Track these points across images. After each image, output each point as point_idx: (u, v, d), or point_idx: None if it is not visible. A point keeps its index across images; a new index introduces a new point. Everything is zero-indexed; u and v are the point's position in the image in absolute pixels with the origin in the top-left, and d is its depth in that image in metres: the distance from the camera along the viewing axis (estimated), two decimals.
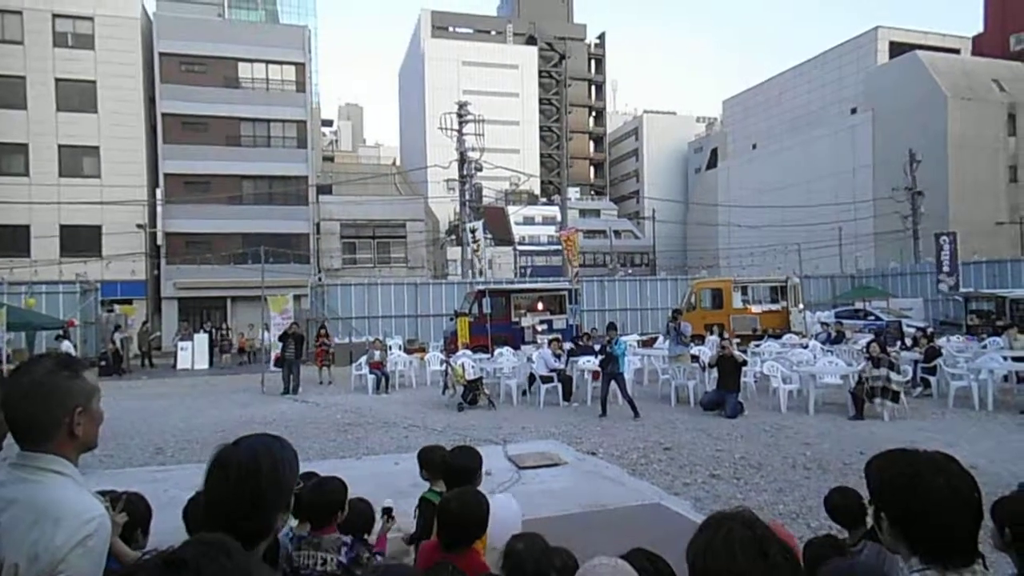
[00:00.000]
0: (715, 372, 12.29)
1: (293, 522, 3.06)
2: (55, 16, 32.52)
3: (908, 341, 16.73)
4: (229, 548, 1.14)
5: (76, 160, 32.71)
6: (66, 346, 18.81)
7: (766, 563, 1.28)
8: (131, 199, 32.00)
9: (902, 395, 11.08)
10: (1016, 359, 13.00)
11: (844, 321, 22.27)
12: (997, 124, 42.90)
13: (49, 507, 1.49)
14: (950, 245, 27.00)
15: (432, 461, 3.72)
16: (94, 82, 32.84)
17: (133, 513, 2.73)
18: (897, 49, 48.48)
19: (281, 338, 17.20)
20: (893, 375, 10.99)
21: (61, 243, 31.91)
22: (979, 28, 52.90)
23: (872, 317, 25.66)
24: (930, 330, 17.42)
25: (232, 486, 1.52)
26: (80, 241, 32.03)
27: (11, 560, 1.44)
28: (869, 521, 2.65)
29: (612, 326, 12.70)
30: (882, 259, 38.62)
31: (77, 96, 32.58)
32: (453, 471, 3.35)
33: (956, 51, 50.70)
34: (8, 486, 1.54)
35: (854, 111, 49.09)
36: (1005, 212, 41.85)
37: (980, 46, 51.18)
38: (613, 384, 11.94)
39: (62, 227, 32.07)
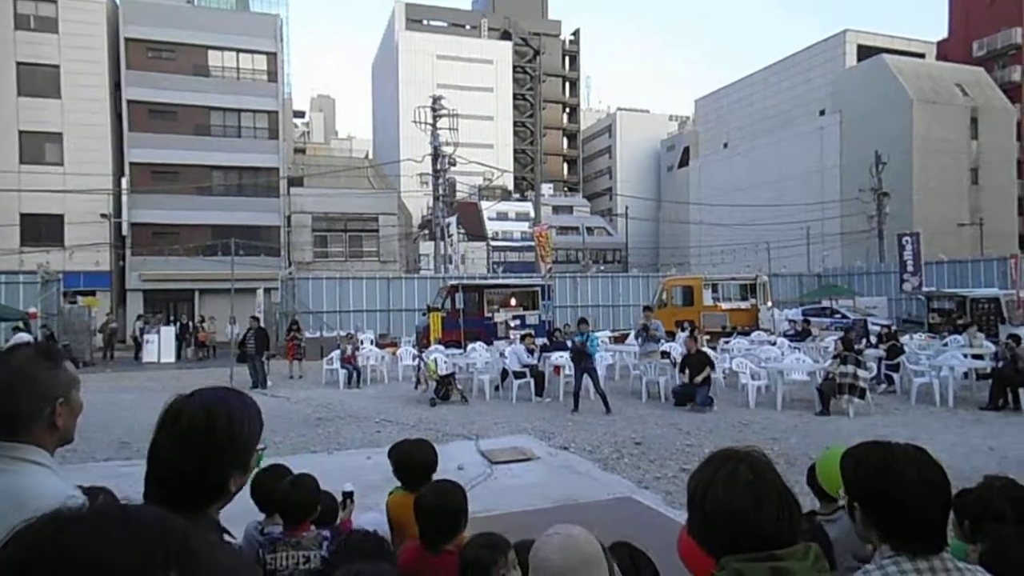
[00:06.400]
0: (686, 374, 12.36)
1: (260, 516, 2.99)
2: None
3: (873, 339, 17.12)
4: (128, 516, 0.71)
5: (38, 147, 31.82)
6: (24, 338, 18.28)
7: (760, 511, 1.30)
8: (95, 188, 31.21)
9: (867, 391, 11.34)
10: (976, 357, 13.40)
11: (811, 319, 22.70)
12: (960, 128, 44.01)
13: (28, 497, 1.44)
14: (912, 245, 27.59)
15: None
16: (57, 67, 31.94)
17: None
18: (865, 52, 49.37)
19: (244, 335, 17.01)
20: (860, 372, 11.25)
21: (22, 232, 31.01)
22: (944, 33, 54.20)
23: (838, 315, 26.15)
24: (893, 328, 17.82)
25: (182, 441, 1.42)
26: (42, 230, 31.20)
27: None
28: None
29: (584, 320, 12.75)
30: (849, 258, 39.39)
31: (40, 81, 31.67)
32: (410, 467, 3.12)
33: (921, 55, 51.83)
34: None
35: (822, 112, 49.92)
36: (967, 214, 43.00)
37: (944, 51, 52.46)
38: (586, 379, 12.01)
39: (23, 216, 31.17)
